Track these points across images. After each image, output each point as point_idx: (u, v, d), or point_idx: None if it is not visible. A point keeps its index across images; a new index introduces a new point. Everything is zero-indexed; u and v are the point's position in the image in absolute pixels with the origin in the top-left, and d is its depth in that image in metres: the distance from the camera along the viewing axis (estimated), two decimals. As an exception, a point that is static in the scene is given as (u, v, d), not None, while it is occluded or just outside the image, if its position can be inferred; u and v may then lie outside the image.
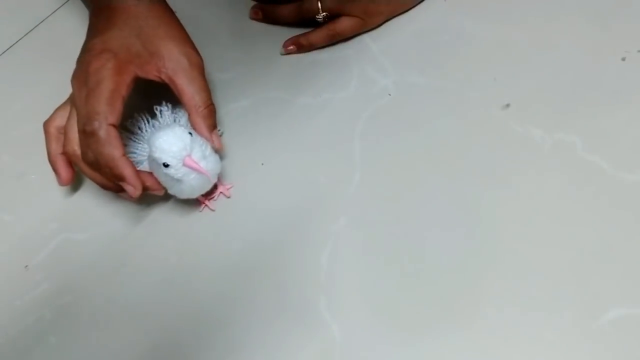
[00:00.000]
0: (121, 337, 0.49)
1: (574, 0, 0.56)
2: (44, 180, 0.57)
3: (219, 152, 0.52)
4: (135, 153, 0.54)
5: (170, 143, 0.47)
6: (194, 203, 0.53)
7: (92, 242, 0.53)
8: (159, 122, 0.55)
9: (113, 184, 0.49)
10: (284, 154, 0.54)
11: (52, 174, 0.52)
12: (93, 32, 0.51)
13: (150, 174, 0.50)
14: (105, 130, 0.46)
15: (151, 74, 0.50)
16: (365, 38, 0.59)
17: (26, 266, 0.53)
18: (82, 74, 0.48)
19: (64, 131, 0.51)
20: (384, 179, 0.51)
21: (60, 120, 0.52)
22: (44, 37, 0.65)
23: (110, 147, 0.47)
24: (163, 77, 0.50)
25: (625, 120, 0.50)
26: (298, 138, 0.55)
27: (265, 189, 0.53)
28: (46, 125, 0.52)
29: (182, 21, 0.52)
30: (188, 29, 0.51)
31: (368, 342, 0.46)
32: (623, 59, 0.52)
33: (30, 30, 0.66)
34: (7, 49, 0.62)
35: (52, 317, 0.51)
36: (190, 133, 0.48)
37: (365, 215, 0.50)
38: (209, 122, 0.51)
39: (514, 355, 0.43)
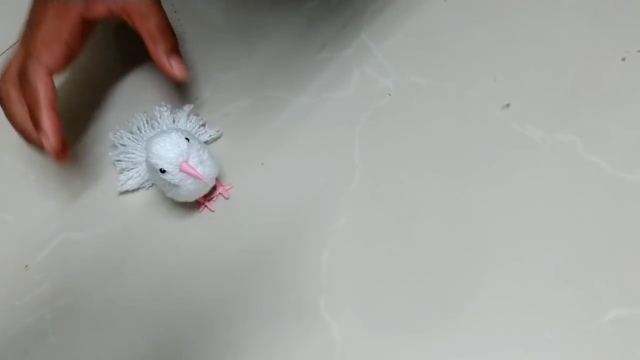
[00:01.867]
0: (121, 337, 0.49)
1: (574, 0, 0.56)
2: (44, 180, 0.57)
3: (183, 79, 0.50)
4: (134, 154, 0.54)
5: (166, 149, 0.46)
6: (194, 204, 0.53)
7: (92, 242, 0.53)
8: (158, 122, 0.55)
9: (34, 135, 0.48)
10: (284, 154, 0.54)
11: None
12: None
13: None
14: (36, 71, 0.47)
15: (99, 11, 0.48)
16: (365, 38, 0.59)
17: (26, 266, 0.53)
18: (28, 19, 0.50)
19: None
20: (384, 179, 0.51)
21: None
22: (44, 37, 0.65)
23: (38, 84, 0.47)
24: (113, 8, 0.48)
25: (625, 120, 0.50)
26: (298, 138, 0.55)
27: (265, 189, 0.53)
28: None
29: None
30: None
31: (368, 342, 0.46)
32: (623, 59, 0.52)
33: (30, 30, 0.66)
34: (7, 49, 0.62)
35: (52, 317, 0.51)
36: (187, 138, 0.47)
37: (365, 215, 0.50)
38: (166, 46, 0.48)
39: (514, 355, 0.43)
